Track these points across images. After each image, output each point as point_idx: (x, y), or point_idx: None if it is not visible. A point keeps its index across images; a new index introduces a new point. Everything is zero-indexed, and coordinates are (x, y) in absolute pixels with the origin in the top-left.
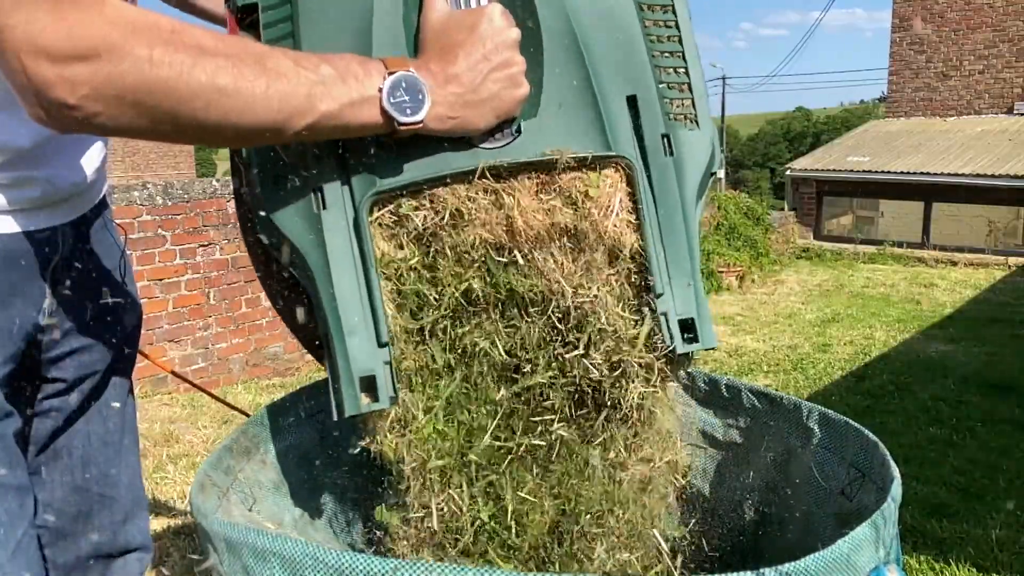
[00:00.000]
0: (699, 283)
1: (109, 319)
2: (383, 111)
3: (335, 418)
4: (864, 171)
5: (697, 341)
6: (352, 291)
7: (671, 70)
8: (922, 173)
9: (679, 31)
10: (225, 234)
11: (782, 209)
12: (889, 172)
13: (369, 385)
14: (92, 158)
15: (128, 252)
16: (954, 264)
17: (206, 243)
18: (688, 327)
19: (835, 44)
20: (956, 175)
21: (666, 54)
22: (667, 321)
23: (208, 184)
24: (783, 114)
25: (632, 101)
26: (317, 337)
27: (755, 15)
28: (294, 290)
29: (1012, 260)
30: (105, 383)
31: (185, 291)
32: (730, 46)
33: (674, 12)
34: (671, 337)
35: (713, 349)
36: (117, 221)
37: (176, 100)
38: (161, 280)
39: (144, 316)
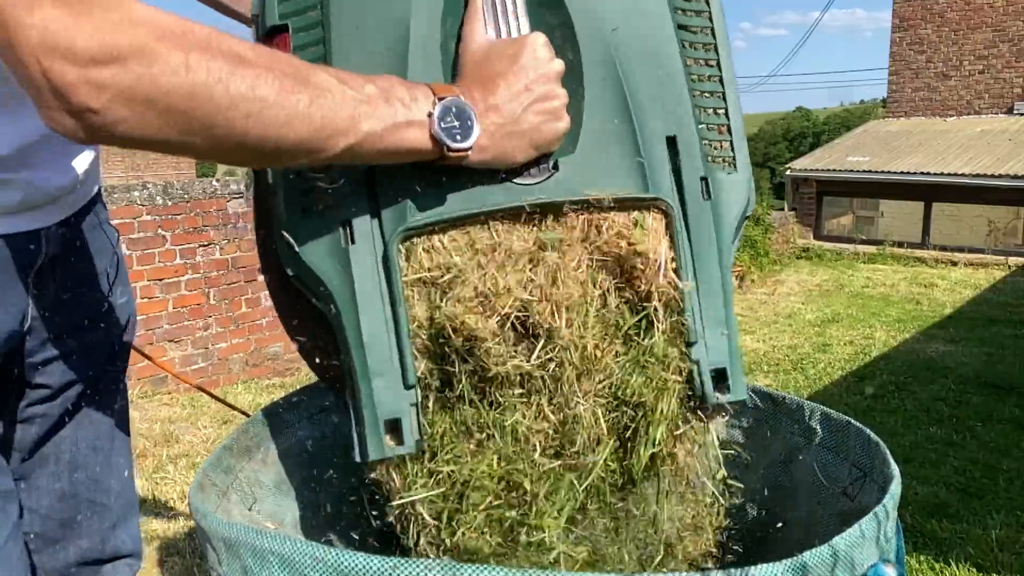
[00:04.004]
0: (734, 331)
1: (98, 323)
2: (432, 136)
3: (358, 460)
4: (864, 171)
5: (729, 392)
6: (379, 330)
7: (711, 111)
8: (922, 173)
9: (720, 71)
10: (225, 234)
11: (782, 209)
12: (889, 172)
13: (393, 427)
14: (81, 160)
15: (126, 252)
16: (954, 264)
17: (206, 243)
18: (720, 377)
19: (835, 44)
20: (956, 175)
21: (707, 94)
22: (699, 370)
23: (208, 184)
24: (783, 114)
25: (672, 142)
26: (327, 360)
27: (754, 15)
28: (312, 319)
29: (1012, 260)
30: (94, 388)
31: (185, 291)
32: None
33: (716, 51)
34: (702, 387)
35: (743, 402)
36: (117, 221)
37: (214, 108)
38: (161, 280)
39: (144, 316)
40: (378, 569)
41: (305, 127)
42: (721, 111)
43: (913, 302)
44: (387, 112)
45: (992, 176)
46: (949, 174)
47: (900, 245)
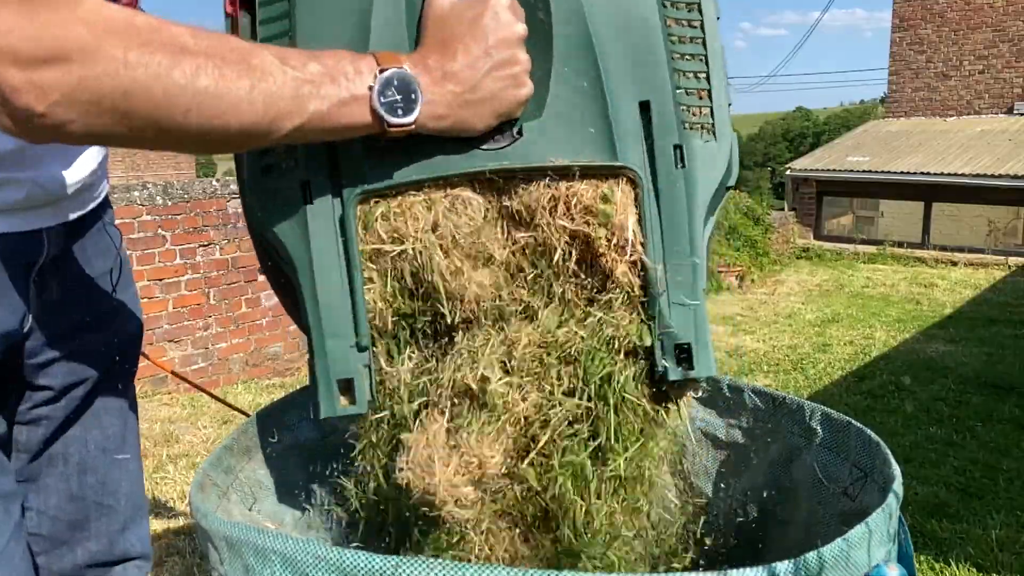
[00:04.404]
0: (702, 306)
1: (102, 325)
2: (372, 111)
3: (311, 417)
4: (864, 171)
5: (693, 368)
6: (335, 291)
7: (691, 75)
8: (922, 173)
9: (703, 32)
10: (225, 234)
11: (782, 209)
12: (889, 172)
13: (347, 388)
14: (88, 159)
15: (128, 253)
16: (954, 264)
17: (206, 243)
18: (685, 352)
19: (835, 44)
20: (956, 175)
21: (687, 57)
22: (662, 345)
23: (208, 184)
24: (783, 114)
25: (645, 107)
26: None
27: (754, 15)
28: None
29: (1012, 260)
30: (101, 390)
31: (185, 291)
32: (730, 46)
33: (700, 11)
34: (664, 363)
35: (710, 377)
36: (117, 221)
37: (155, 104)
38: (161, 280)
39: (144, 316)
40: (380, 568)
41: (248, 113)
42: (702, 75)
43: (913, 302)
44: (332, 90)
45: (992, 176)
46: (949, 174)
47: (900, 245)
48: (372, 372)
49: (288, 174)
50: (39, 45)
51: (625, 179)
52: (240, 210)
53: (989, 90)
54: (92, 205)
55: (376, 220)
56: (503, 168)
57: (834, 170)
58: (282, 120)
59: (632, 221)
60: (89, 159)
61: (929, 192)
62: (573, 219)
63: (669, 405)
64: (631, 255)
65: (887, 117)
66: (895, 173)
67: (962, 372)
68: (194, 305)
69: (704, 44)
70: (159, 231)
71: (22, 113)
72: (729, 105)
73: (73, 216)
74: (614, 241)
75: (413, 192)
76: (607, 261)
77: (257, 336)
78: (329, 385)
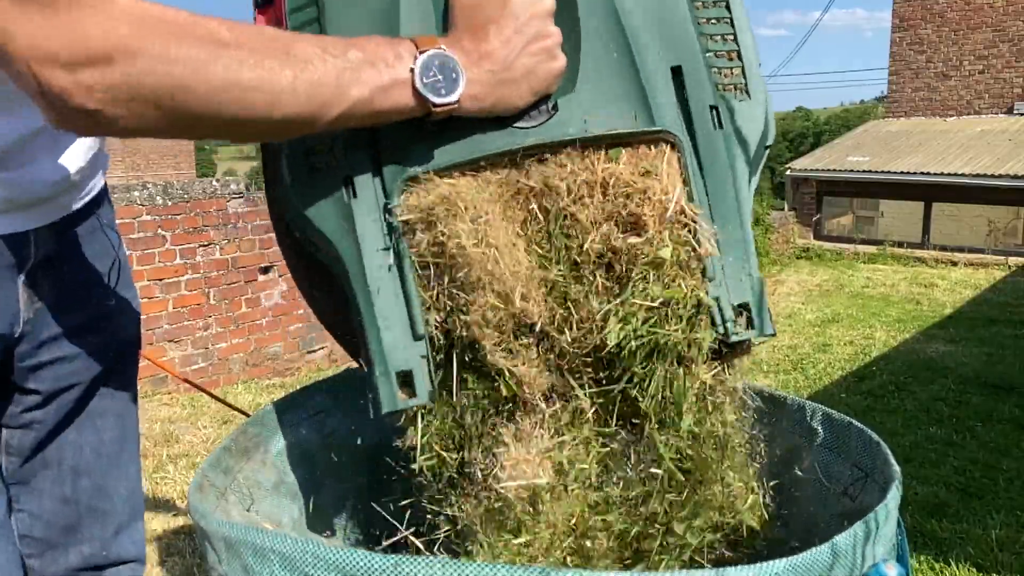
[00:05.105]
0: (754, 265)
1: (100, 327)
2: (416, 93)
3: (372, 415)
4: (864, 171)
5: (753, 328)
6: (386, 283)
7: (718, 37)
8: (922, 173)
9: None
10: (225, 234)
11: (782, 209)
12: (889, 172)
13: (406, 380)
14: (74, 158)
15: (127, 253)
16: (954, 264)
17: (206, 243)
18: (744, 313)
19: (835, 44)
20: (956, 175)
21: (712, 20)
22: (719, 307)
23: (208, 184)
24: (783, 114)
25: (677, 72)
26: (351, 332)
27: (755, 15)
28: (327, 283)
29: (1012, 260)
30: (97, 392)
31: (185, 291)
32: None
33: None
34: (724, 323)
35: (772, 336)
36: (117, 221)
37: (197, 98)
38: (161, 280)
39: (144, 316)
40: (380, 567)
41: (292, 103)
42: (729, 37)
43: (913, 302)
44: (372, 75)
45: (992, 176)
46: (949, 174)
47: (900, 245)
48: (431, 362)
49: (331, 171)
50: (80, 47)
51: (668, 145)
52: (240, 210)
53: (989, 90)
54: (79, 205)
55: (416, 227)
56: (543, 143)
57: (834, 170)
58: (326, 108)
59: (680, 189)
60: (75, 158)
61: (929, 192)
62: (616, 200)
63: (726, 374)
64: (684, 224)
65: (887, 117)
66: (895, 173)
67: (962, 372)
68: (194, 305)
69: (728, 7)
70: (159, 231)
71: (73, 112)
72: (759, 64)
73: (60, 216)
74: (666, 215)
75: (457, 181)
76: (653, 233)
77: (257, 336)
78: (388, 379)
